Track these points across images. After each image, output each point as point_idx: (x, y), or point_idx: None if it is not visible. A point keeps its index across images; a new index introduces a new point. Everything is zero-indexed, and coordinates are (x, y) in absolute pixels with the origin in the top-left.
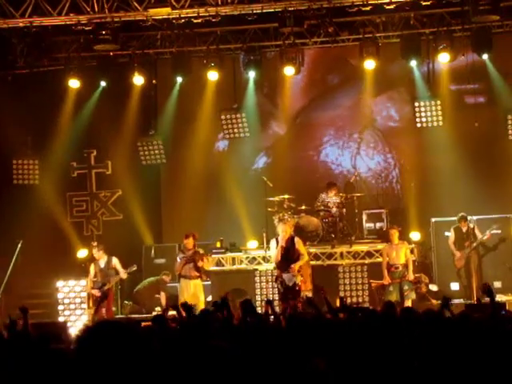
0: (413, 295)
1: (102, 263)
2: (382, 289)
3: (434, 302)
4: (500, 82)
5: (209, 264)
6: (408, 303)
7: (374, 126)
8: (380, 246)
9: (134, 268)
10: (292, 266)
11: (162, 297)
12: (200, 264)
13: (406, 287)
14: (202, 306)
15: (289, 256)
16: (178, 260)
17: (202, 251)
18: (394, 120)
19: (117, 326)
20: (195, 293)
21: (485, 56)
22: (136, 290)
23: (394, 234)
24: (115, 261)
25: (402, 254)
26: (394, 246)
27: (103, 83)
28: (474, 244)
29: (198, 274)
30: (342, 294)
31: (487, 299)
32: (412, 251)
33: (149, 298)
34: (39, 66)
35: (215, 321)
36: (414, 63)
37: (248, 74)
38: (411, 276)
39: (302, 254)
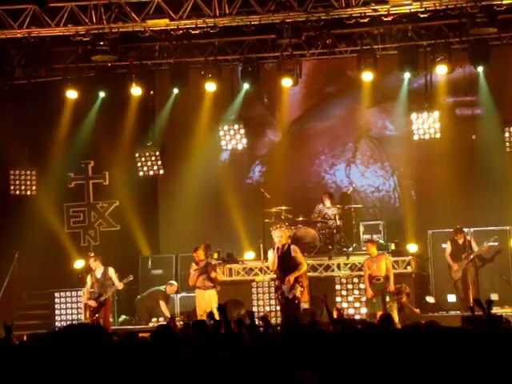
0: (395, 306)
1: (99, 274)
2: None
3: (416, 310)
4: (497, 95)
5: (221, 274)
6: (394, 315)
7: (370, 135)
8: None
9: (131, 278)
10: (287, 278)
11: (162, 305)
12: (213, 275)
13: (387, 299)
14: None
15: (285, 265)
16: (192, 272)
17: (214, 262)
18: (390, 129)
19: (85, 330)
20: (209, 302)
21: (480, 68)
22: (138, 299)
23: (370, 247)
24: (111, 271)
25: (382, 265)
26: (374, 259)
27: (102, 94)
28: (471, 256)
29: (212, 285)
30: (338, 305)
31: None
32: (409, 263)
33: (148, 307)
34: (37, 76)
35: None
36: (407, 75)
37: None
38: (392, 287)
39: (301, 262)
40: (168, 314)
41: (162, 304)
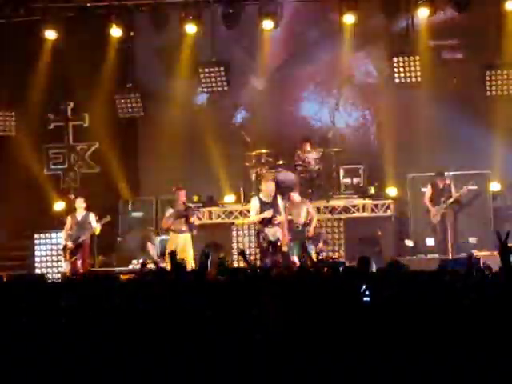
0: (312, 250)
1: (79, 216)
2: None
3: (336, 257)
4: (479, 38)
5: (197, 219)
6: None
7: (353, 82)
8: (357, 202)
9: (108, 219)
10: (276, 217)
11: (151, 248)
12: (191, 219)
13: (308, 243)
14: (190, 260)
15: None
16: (167, 215)
17: (192, 206)
18: (373, 76)
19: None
20: (184, 247)
21: (460, 12)
22: (126, 238)
23: (292, 194)
24: (92, 217)
25: (302, 212)
26: (296, 204)
27: (83, 35)
28: (450, 200)
29: (187, 229)
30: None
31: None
32: (388, 207)
33: (133, 249)
34: (15, 16)
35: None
36: (388, 18)
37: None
38: (311, 232)
39: (280, 211)
40: (155, 256)
41: (151, 246)
